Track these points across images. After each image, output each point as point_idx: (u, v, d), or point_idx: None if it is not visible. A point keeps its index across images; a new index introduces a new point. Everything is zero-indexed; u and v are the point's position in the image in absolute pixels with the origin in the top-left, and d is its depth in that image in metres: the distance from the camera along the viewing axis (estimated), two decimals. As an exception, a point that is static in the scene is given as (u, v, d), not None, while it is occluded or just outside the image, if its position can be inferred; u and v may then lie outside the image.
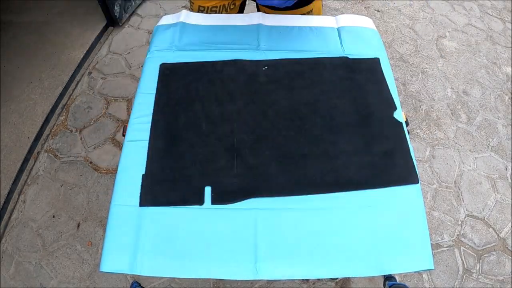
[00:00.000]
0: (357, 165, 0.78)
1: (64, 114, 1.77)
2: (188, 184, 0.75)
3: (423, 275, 1.41)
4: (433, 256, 0.70)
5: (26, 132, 1.66)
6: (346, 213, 0.73)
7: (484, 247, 1.49)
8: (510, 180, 1.67)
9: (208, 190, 0.74)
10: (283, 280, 1.31)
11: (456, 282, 1.41)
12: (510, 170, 1.70)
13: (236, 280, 0.66)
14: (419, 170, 1.07)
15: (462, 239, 1.50)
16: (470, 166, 1.70)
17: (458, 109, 1.90)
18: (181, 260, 0.67)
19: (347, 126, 0.83)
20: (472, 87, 2.00)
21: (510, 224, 1.55)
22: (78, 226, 1.46)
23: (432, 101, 1.92)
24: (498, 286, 1.40)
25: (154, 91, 0.89)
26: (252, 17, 1.06)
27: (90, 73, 1.93)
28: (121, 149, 0.81)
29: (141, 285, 0.93)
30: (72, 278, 1.35)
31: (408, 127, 0.88)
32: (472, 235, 1.51)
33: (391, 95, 0.89)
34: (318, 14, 1.10)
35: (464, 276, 1.42)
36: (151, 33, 2.02)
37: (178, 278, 1.33)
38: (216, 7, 1.04)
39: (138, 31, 2.13)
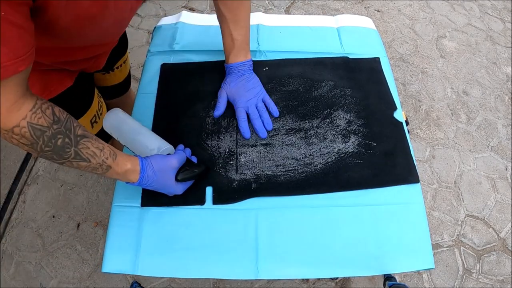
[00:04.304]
0: (357, 164, 0.78)
1: (64, 114, 1.77)
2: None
3: (423, 275, 1.41)
4: (433, 256, 0.70)
5: (26, 132, 1.66)
6: (347, 212, 0.73)
7: (484, 247, 1.49)
8: (510, 180, 1.67)
9: (209, 190, 0.74)
10: (284, 280, 1.31)
11: (456, 282, 1.41)
12: (510, 170, 1.70)
13: (236, 280, 0.66)
14: (419, 170, 1.07)
15: (462, 239, 1.50)
16: (470, 166, 1.70)
17: (458, 109, 1.90)
18: (182, 260, 0.67)
19: (348, 126, 0.83)
20: (472, 87, 2.00)
21: (510, 224, 1.55)
22: (78, 226, 1.46)
23: (432, 101, 1.92)
24: (498, 286, 1.41)
25: (155, 92, 0.89)
26: (252, 17, 1.06)
27: (90, 73, 1.93)
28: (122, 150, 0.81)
29: (141, 285, 0.93)
30: (72, 278, 1.35)
31: (408, 127, 0.88)
32: (472, 235, 1.52)
33: (391, 95, 0.89)
34: None
35: (464, 276, 1.42)
36: (151, 33, 2.02)
37: (178, 278, 1.33)
38: None
39: (138, 31, 2.13)
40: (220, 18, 0.80)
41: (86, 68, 0.79)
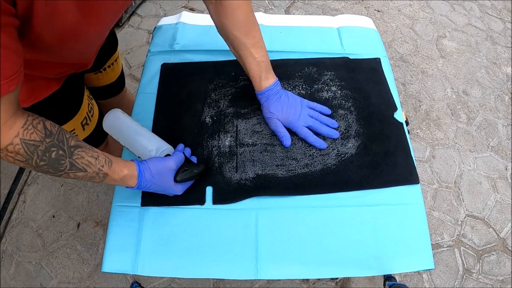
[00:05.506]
0: (358, 165, 0.78)
1: (64, 114, 1.77)
2: (189, 184, 0.75)
3: (423, 275, 1.41)
4: (433, 256, 0.70)
5: (26, 132, 1.66)
6: (347, 213, 0.73)
7: (484, 247, 1.49)
8: (510, 180, 1.67)
9: (209, 190, 0.74)
10: (283, 280, 1.31)
11: (456, 282, 1.41)
12: (510, 170, 1.70)
13: (236, 280, 0.67)
14: (419, 170, 1.07)
15: (462, 239, 1.50)
16: (470, 166, 1.70)
17: (458, 109, 1.90)
18: (182, 260, 0.67)
19: (348, 126, 0.83)
20: (472, 87, 2.00)
21: (510, 224, 1.55)
22: (78, 226, 1.46)
23: (432, 101, 1.92)
24: (498, 286, 1.41)
25: (155, 92, 0.89)
26: (252, 17, 1.05)
27: (90, 73, 1.93)
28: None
29: (141, 285, 0.93)
30: (72, 278, 1.35)
31: (408, 127, 0.88)
32: (472, 235, 1.52)
33: (391, 96, 0.89)
34: None
35: (464, 276, 1.42)
36: (151, 33, 2.02)
37: (178, 278, 1.33)
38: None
39: (138, 31, 2.13)
40: (237, 45, 0.76)
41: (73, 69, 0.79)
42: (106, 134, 0.79)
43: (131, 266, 0.66)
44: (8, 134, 0.47)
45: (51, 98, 0.74)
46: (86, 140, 0.89)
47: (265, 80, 0.77)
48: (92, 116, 0.88)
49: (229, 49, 0.99)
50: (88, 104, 0.87)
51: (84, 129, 0.86)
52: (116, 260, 0.67)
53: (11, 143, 0.47)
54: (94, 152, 0.58)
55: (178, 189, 0.70)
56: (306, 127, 0.79)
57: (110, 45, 0.94)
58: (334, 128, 0.81)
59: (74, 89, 0.82)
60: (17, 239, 1.43)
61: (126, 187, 0.64)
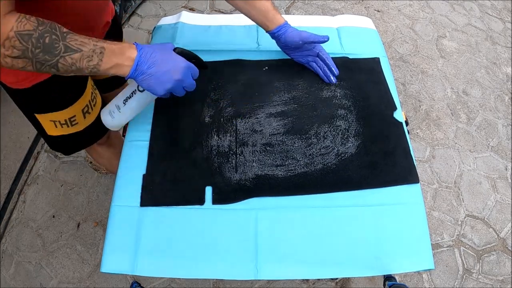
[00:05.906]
0: (357, 165, 0.78)
1: (64, 114, 1.77)
2: (188, 184, 0.75)
3: (423, 275, 1.41)
4: (433, 256, 0.70)
5: (26, 132, 1.66)
6: (347, 213, 0.73)
7: (484, 247, 1.49)
8: (510, 180, 1.67)
9: (208, 190, 0.74)
10: (283, 280, 1.31)
11: (456, 282, 1.41)
12: (510, 170, 1.70)
13: (236, 280, 0.67)
14: (419, 170, 1.07)
15: (462, 239, 1.50)
16: (470, 166, 1.70)
17: (458, 109, 1.90)
18: (182, 260, 0.67)
19: (347, 126, 0.83)
20: (472, 87, 2.00)
21: (510, 224, 1.55)
22: (78, 226, 1.46)
23: (432, 101, 1.92)
24: (498, 286, 1.41)
25: (155, 91, 0.89)
26: (252, 17, 1.05)
27: (90, 73, 1.93)
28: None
29: (141, 285, 0.93)
30: (72, 278, 1.35)
31: (408, 127, 0.88)
32: (472, 235, 1.51)
33: (391, 95, 0.89)
34: None
35: (464, 276, 1.42)
36: (151, 33, 2.02)
37: (178, 278, 1.33)
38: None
39: (138, 31, 2.13)
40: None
41: None
42: None
43: (130, 266, 0.66)
44: (5, 29, 0.50)
45: (52, 80, 0.75)
46: (88, 129, 0.90)
47: (279, 16, 0.84)
48: (94, 105, 0.89)
49: (229, 48, 0.99)
50: (92, 93, 0.88)
51: (85, 117, 0.87)
52: (115, 260, 0.67)
53: (7, 38, 0.51)
54: (86, 37, 0.59)
55: (181, 61, 0.67)
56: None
57: (115, 38, 0.94)
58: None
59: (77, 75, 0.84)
60: (17, 239, 1.43)
61: (125, 77, 0.63)
